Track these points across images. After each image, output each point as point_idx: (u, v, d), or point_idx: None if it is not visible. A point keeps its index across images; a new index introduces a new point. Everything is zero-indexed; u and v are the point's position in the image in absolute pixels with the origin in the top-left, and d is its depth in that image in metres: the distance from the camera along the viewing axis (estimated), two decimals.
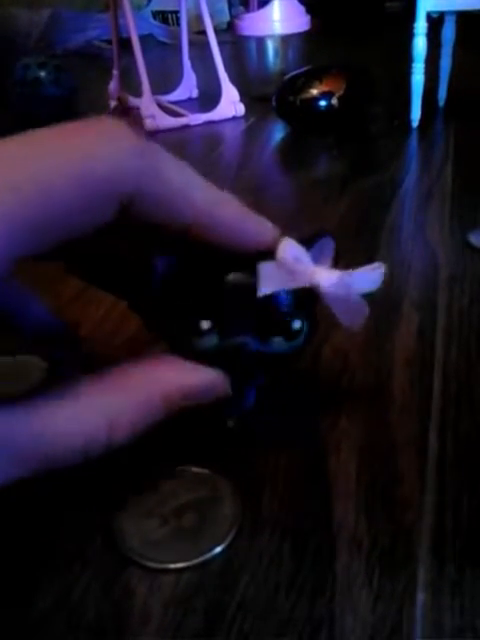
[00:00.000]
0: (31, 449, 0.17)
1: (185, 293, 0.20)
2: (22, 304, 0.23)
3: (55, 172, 0.16)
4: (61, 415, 0.18)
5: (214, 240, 0.20)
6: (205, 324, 0.20)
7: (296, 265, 0.20)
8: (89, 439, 0.18)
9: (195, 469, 0.22)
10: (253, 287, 0.19)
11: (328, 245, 0.22)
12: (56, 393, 0.18)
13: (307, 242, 0.20)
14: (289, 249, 0.20)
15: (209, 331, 0.20)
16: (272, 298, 0.20)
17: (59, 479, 0.23)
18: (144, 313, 0.21)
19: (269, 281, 0.20)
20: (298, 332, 0.21)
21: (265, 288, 0.19)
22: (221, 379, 0.20)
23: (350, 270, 0.20)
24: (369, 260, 0.38)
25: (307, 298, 0.21)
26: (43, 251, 0.17)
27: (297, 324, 0.21)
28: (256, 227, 0.20)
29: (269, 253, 0.20)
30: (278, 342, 0.20)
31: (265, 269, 0.20)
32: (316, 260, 0.20)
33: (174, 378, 0.20)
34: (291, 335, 0.21)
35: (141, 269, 0.20)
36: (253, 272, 0.20)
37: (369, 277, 0.21)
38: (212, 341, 0.20)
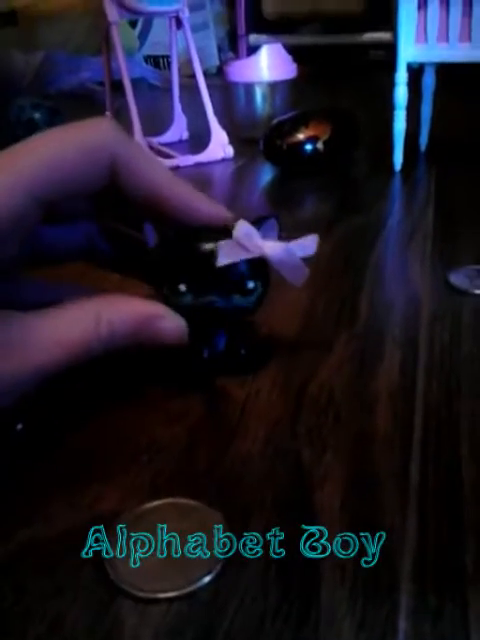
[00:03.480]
0: (46, 340, 0.24)
1: (168, 264, 0.28)
2: (54, 238, 0.29)
3: (66, 143, 0.24)
4: (61, 317, 0.24)
5: (176, 213, 0.27)
6: (182, 287, 0.27)
7: (248, 241, 0.26)
8: (86, 334, 0.24)
9: (184, 500, 0.23)
10: (214, 262, 0.26)
11: (273, 224, 0.28)
12: (56, 306, 0.25)
13: (257, 222, 0.27)
14: (242, 228, 0.26)
15: (185, 292, 0.27)
16: (231, 266, 0.27)
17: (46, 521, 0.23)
18: (139, 262, 0.29)
19: (226, 255, 0.26)
20: (252, 291, 0.28)
21: (222, 260, 0.26)
22: (184, 326, 0.26)
23: (291, 241, 0.28)
24: (354, 297, 0.39)
25: (260, 265, 0.28)
26: (62, 199, 0.25)
27: (251, 284, 0.28)
28: (210, 205, 0.28)
29: (226, 229, 0.27)
30: (237, 298, 0.28)
31: (223, 245, 0.26)
32: (264, 236, 0.27)
33: (148, 307, 0.26)
34: (246, 293, 0.28)
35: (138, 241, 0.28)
36: (212, 251, 0.26)
37: (307, 245, 0.28)
38: (188, 299, 0.27)
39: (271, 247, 0.27)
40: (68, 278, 0.32)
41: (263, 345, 0.34)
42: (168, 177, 0.27)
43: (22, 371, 0.23)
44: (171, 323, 0.26)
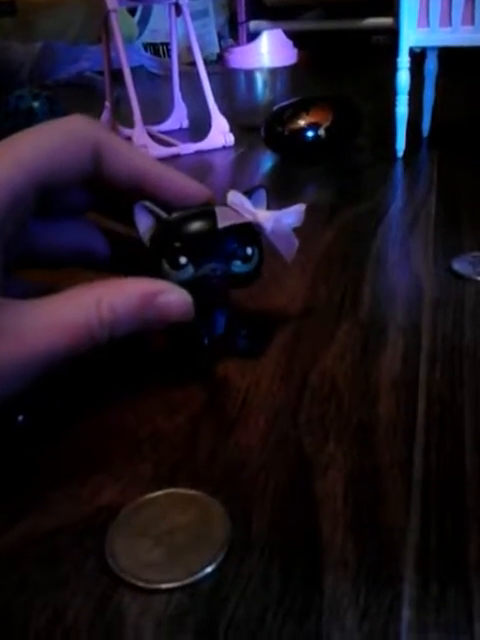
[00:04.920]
0: (46, 326, 0.23)
1: (165, 240, 0.27)
2: (52, 237, 0.29)
3: (54, 132, 0.26)
4: (59, 302, 0.24)
5: (162, 193, 0.28)
6: (183, 259, 0.27)
7: (241, 207, 0.27)
8: (86, 317, 0.23)
9: (185, 490, 0.23)
10: (215, 225, 0.26)
11: (262, 194, 0.29)
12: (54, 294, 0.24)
13: (247, 193, 0.28)
14: (235, 196, 0.27)
15: (186, 264, 0.27)
16: (229, 233, 0.27)
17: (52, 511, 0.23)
18: (136, 261, 0.29)
19: (225, 218, 0.27)
20: (251, 257, 0.28)
21: (222, 223, 0.26)
22: (189, 298, 0.26)
23: (280, 211, 0.28)
24: (356, 286, 0.39)
25: (254, 232, 0.28)
26: (55, 184, 0.26)
27: (249, 250, 0.28)
28: (193, 185, 0.29)
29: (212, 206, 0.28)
30: (237, 265, 0.28)
31: (221, 210, 0.27)
32: (254, 205, 0.28)
33: (151, 284, 0.26)
34: (246, 259, 0.28)
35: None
36: (210, 219, 0.27)
37: (295, 214, 0.29)
38: (189, 272, 0.27)
39: (263, 215, 0.28)
40: (59, 279, 0.32)
41: (262, 328, 0.33)
42: (150, 161, 0.29)
43: (18, 357, 0.23)
44: (175, 296, 0.26)
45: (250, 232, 0.28)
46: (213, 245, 0.27)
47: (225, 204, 0.28)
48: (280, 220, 0.28)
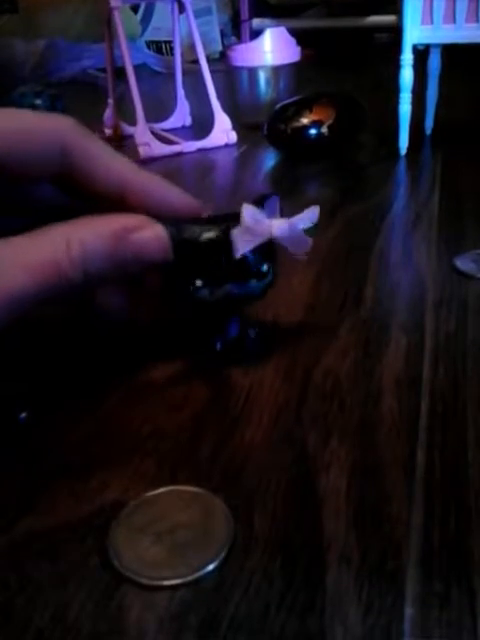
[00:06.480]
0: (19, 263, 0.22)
1: (184, 260, 0.27)
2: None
3: (17, 118, 0.25)
4: (26, 241, 0.23)
5: (147, 203, 0.27)
6: (199, 282, 0.27)
7: (256, 225, 0.26)
8: (53, 255, 0.22)
9: (188, 488, 0.23)
10: (230, 252, 0.26)
11: (275, 201, 0.28)
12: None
13: (259, 202, 0.27)
14: (249, 212, 0.26)
15: (202, 287, 0.27)
16: (244, 256, 0.26)
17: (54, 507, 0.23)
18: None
19: (242, 244, 0.26)
20: (267, 273, 0.28)
21: (240, 250, 0.26)
22: (164, 234, 0.25)
23: (295, 216, 0.28)
24: (359, 284, 0.39)
25: (269, 246, 0.27)
26: (8, 170, 0.24)
27: (265, 267, 0.28)
28: (180, 195, 0.28)
29: (210, 219, 0.28)
30: (253, 283, 0.28)
31: (236, 235, 0.26)
32: (268, 215, 0.27)
33: (123, 220, 0.25)
34: (262, 276, 0.28)
35: None
36: (225, 242, 0.26)
37: (309, 217, 0.28)
38: (205, 293, 0.27)
39: (277, 226, 0.27)
40: None
41: (268, 328, 0.33)
42: (134, 168, 0.27)
43: None
44: (149, 232, 0.25)
45: (265, 247, 0.27)
46: (228, 269, 0.27)
47: (231, 211, 0.27)
48: (295, 226, 0.27)
